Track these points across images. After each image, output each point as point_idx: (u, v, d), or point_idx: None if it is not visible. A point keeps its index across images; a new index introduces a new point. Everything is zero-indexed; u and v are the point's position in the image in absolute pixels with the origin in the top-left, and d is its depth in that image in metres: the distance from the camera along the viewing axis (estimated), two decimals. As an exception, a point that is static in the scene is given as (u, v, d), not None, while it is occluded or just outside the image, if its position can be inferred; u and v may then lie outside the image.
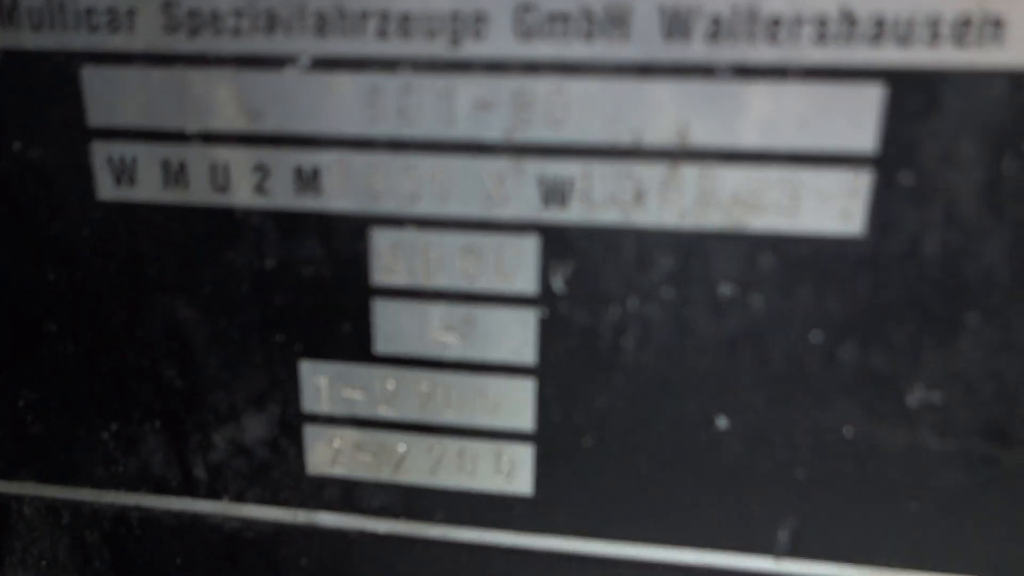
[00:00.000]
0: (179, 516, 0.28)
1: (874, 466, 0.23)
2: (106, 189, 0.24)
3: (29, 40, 0.23)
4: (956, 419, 0.22)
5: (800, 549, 0.24)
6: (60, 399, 0.27)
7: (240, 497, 0.27)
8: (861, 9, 0.19)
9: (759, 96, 0.20)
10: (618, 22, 0.20)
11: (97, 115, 0.24)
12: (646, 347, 0.23)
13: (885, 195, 0.21)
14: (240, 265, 0.24)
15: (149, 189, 0.24)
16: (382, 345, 0.24)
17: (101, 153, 0.24)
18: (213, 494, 0.27)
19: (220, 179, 0.23)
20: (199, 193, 0.24)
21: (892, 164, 0.20)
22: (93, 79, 0.23)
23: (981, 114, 0.20)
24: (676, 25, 0.20)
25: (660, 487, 0.24)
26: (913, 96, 0.20)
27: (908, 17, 0.19)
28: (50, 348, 0.26)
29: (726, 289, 0.22)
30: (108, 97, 0.23)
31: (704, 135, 0.21)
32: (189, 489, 0.27)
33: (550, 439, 0.25)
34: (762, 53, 0.20)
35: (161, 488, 0.27)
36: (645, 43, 0.20)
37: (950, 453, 0.23)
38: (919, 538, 0.24)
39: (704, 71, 0.20)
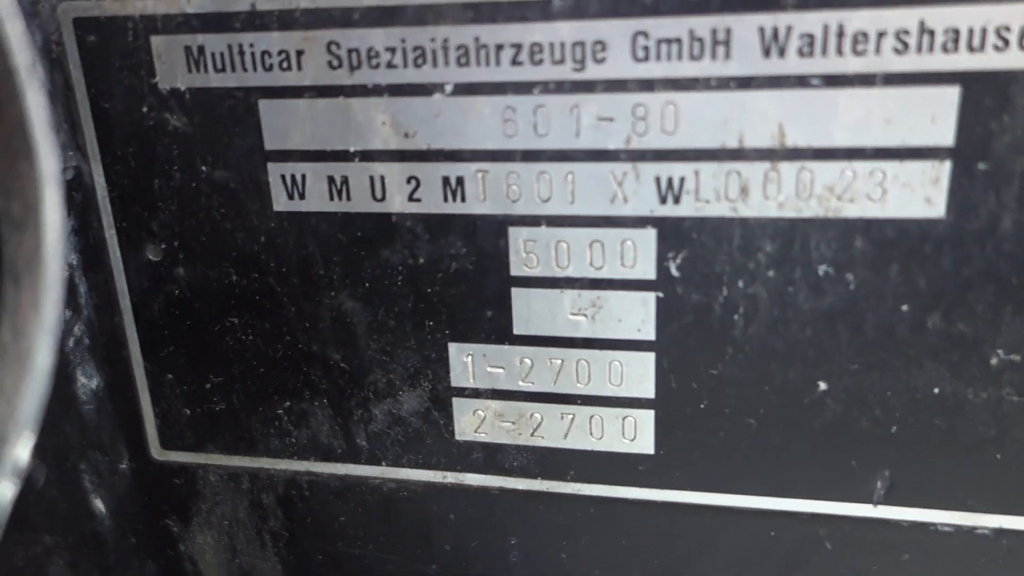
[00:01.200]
0: (343, 479, 0.33)
1: (961, 421, 0.26)
2: (280, 202, 0.29)
3: (214, 80, 0.28)
4: (1035, 377, 0.26)
5: (895, 497, 0.28)
6: (241, 381, 0.32)
7: (397, 462, 0.32)
8: (937, 22, 0.23)
9: (848, 101, 0.24)
10: (721, 43, 0.24)
11: (272, 140, 0.28)
12: (753, 322, 0.27)
13: (964, 182, 0.24)
14: (396, 262, 0.29)
15: (317, 201, 0.29)
16: (520, 327, 0.29)
17: (276, 172, 0.29)
18: (373, 460, 0.32)
19: (378, 190, 0.28)
20: (360, 203, 0.28)
21: (969, 155, 0.24)
22: (268, 110, 0.28)
23: (1048, 109, 0.23)
24: (772, 43, 0.24)
25: (768, 445, 0.28)
26: (986, 96, 0.23)
27: (981, 26, 0.23)
28: (233, 338, 0.31)
29: (823, 269, 0.26)
30: (281, 125, 0.28)
31: (800, 136, 0.25)
32: (352, 456, 0.32)
33: (669, 405, 0.28)
34: (849, 63, 0.24)
35: (328, 456, 0.32)
36: (745, 60, 0.24)
37: (1030, 407, 0.26)
38: (1002, 485, 0.27)
39: (798, 81, 0.24)
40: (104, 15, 0.28)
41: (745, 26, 0.24)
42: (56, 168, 0.21)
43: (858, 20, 0.23)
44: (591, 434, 0.30)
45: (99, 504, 0.35)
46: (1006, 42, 0.23)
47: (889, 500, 0.28)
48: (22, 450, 0.19)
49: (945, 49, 0.23)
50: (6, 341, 0.21)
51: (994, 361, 0.26)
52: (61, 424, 0.34)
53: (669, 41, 0.24)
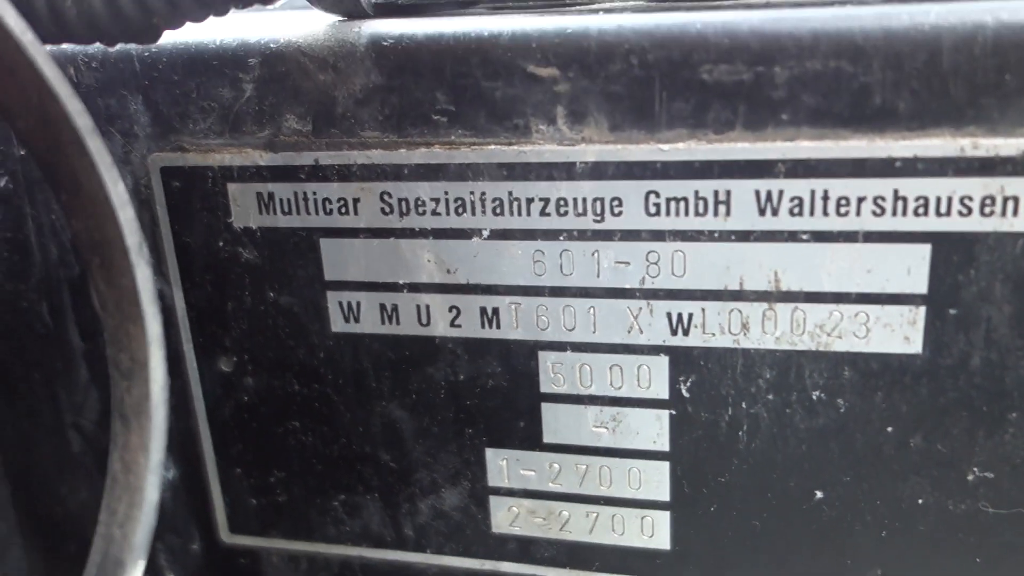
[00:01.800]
0: (392, 564, 0.37)
1: (943, 528, 0.30)
2: (338, 324, 0.33)
3: (282, 220, 0.32)
4: (1007, 492, 0.29)
5: (887, 592, 0.31)
6: (301, 476, 0.36)
7: (440, 550, 0.36)
8: (909, 190, 0.26)
9: (833, 253, 0.28)
10: (722, 202, 0.28)
11: (331, 272, 0.32)
12: (756, 437, 0.30)
13: (937, 324, 0.28)
14: (439, 378, 0.33)
15: (370, 324, 0.33)
16: (549, 436, 0.33)
17: (334, 299, 0.33)
18: (419, 548, 0.36)
19: (423, 317, 0.32)
20: (408, 327, 0.32)
21: (941, 302, 0.27)
22: (328, 247, 0.32)
23: (1007, 263, 0.26)
24: (767, 204, 0.28)
25: (772, 544, 0.32)
26: (954, 252, 0.27)
27: (947, 195, 0.26)
28: (294, 439, 0.35)
29: (816, 394, 0.29)
30: (339, 259, 0.32)
31: (792, 282, 0.28)
32: (400, 544, 0.36)
33: (682, 507, 0.32)
34: (834, 223, 0.27)
35: (378, 543, 0.36)
36: (743, 217, 0.28)
37: (1003, 518, 0.29)
38: (983, 584, 0.30)
39: (790, 235, 0.28)
40: (187, 165, 0.32)
41: (743, 189, 0.28)
42: (160, 331, 0.25)
43: (840, 187, 0.27)
44: (613, 530, 0.33)
45: None
46: (969, 209, 0.26)
47: (881, 596, 0.31)
48: (136, 574, 0.23)
49: (916, 213, 0.27)
50: (116, 472, 0.25)
51: (970, 477, 0.29)
52: (140, 508, 0.39)
53: (677, 199, 0.28)
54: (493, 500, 0.34)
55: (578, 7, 0.30)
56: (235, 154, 0.32)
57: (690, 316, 0.30)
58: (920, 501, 0.30)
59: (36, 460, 0.40)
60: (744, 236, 0.28)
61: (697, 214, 0.28)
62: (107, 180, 0.24)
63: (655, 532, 0.33)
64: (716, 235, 0.28)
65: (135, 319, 0.25)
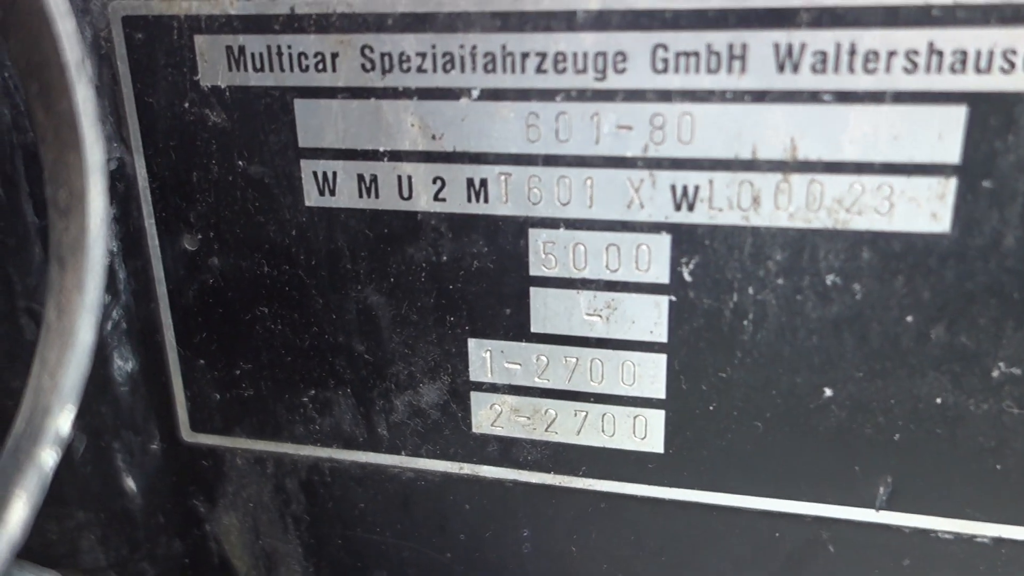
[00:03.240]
0: (364, 467, 0.34)
1: (962, 431, 0.27)
2: (312, 197, 0.31)
3: (253, 78, 0.30)
4: (1035, 391, 0.26)
5: (897, 503, 0.29)
6: (269, 369, 0.34)
7: (415, 452, 0.33)
8: (945, 43, 0.24)
9: (858, 117, 0.25)
10: (737, 57, 0.25)
11: (306, 138, 0.30)
12: (762, 328, 0.28)
13: (969, 199, 0.25)
14: (420, 259, 0.30)
15: (347, 197, 0.30)
16: (537, 326, 0.30)
17: (308, 168, 0.30)
18: (393, 449, 0.33)
19: (405, 189, 0.29)
20: (387, 201, 0.30)
21: (974, 173, 0.25)
22: (303, 109, 0.29)
23: (1052, 130, 0.24)
24: (787, 59, 0.25)
25: (774, 448, 0.29)
26: (992, 115, 0.24)
27: (988, 49, 0.24)
28: (262, 327, 0.33)
29: (831, 279, 0.27)
30: (315, 123, 0.30)
31: (811, 150, 0.26)
32: (373, 445, 0.34)
33: (679, 405, 0.30)
34: (860, 81, 0.25)
35: (349, 443, 0.34)
36: (760, 74, 0.25)
37: (1030, 420, 0.27)
38: (1001, 495, 0.28)
39: (811, 96, 0.25)
40: (151, 14, 0.30)
41: (761, 42, 0.25)
42: (101, 158, 0.22)
43: (869, 39, 0.24)
44: (603, 431, 0.31)
45: (130, 483, 0.37)
46: (1012, 64, 0.24)
47: (891, 506, 0.29)
48: (64, 421, 0.21)
49: (953, 70, 0.24)
50: (51, 319, 0.23)
51: (995, 374, 0.27)
52: (97, 404, 0.36)
53: (687, 54, 0.26)
54: (474, 396, 0.32)
55: None
56: (204, 1, 0.29)
57: (696, 189, 0.27)
58: (938, 400, 0.27)
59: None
60: (760, 97, 0.26)
61: (709, 71, 0.26)
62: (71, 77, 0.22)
63: (648, 434, 0.30)
64: (729, 96, 0.26)
65: (74, 146, 0.22)
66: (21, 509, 0.21)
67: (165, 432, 0.36)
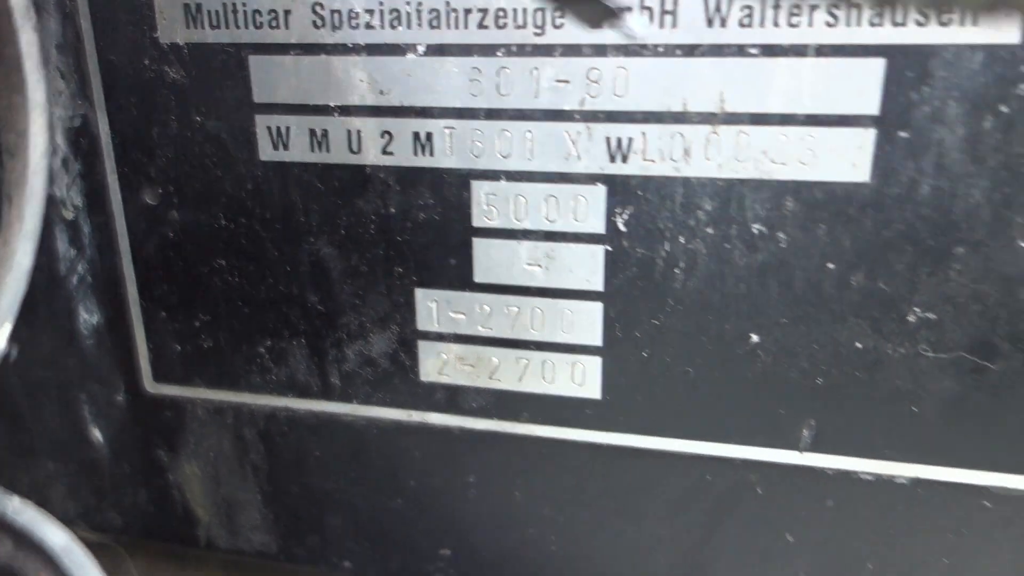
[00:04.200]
0: (318, 416, 0.33)
1: (880, 375, 0.27)
2: (266, 152, 0.29)
3: (210, 36, 0.28)
4: (948, 335, 0.26)
5: (820, 445, 0.28)
6: (227, 320, 0.32)
7: (367, 400, 0.32)
8: (865, -2, 0.23)
9: (782, 70, 0.24)
10: (668, 12, 0.24)
11: (260, 93, 0.29)
12: (692, 276, 0.27)
13: (887, 149, 0.24)
14: (369, 211, 0.29)
15: (299, 151, 0.29)
16: (480, 276, 0.29)
17: (263, 123, 0.29)
18: (345, 398, 0.32)
19: (354, 143, 0.28)
20: (338, 154, 0.29)
21: (892, 124, 0.24)
22: (258, 65, 0.28)
23: (963, 81, 0.23)
24: (715, 14, 0.24)
25: (705, 393, 0.28)
26: (908, 68, 0.23)
27: (903, 3, 0.23)
28: (220, 279, 0.32)
29: (757, 227, 0.26)
30: (269, 79, 0.28)
31: (738, 102, 0.25)
32: (326, 394, 0.32)
33: (614, 352, 0.29)
34: (784, 35, 0.24)
35: (304, 393, 0.33)
36: (690, 29, 0.24)
37: (943, 363, 0.26)
38: (918, 437, 0.27)
39: (738, 50, 0.24)
40: (112, -27, 0.28)
41: (690, -3, 0.24)
42: (43, 98, 0.21)
43: (793, -6, 0.23)
44: (543, 378, 0.30)
45: (96, 433, 0.36)
46: (927, 17, 0.23)
47: (814, 448, 0.28)
48: (1, 336, 0.20)
49: (871, 23, 0.23)
50: (-2, 252, 0.22)
51: (911, 318, 0.26)
52: (64, 357, 0.35)
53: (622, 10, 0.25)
54: (422, 346, 0.31)
55: None
56: (161, -40, 0.28)
57: (630, 141, 0.26)
58: (858, 345, 0.27)
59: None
60: (690, 51, 0.25)
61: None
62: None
63: (586, 380, 0.30)
64: (661, 50, 0.25)
65: (19, 88, 0.21)
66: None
67: (129, 383, 0.35)
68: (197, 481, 0.36)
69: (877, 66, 0.24)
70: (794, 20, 0.24)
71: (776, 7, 0.24)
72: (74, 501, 0.38)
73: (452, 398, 0.31)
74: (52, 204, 0.32)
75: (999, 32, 0.23)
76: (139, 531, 0.38)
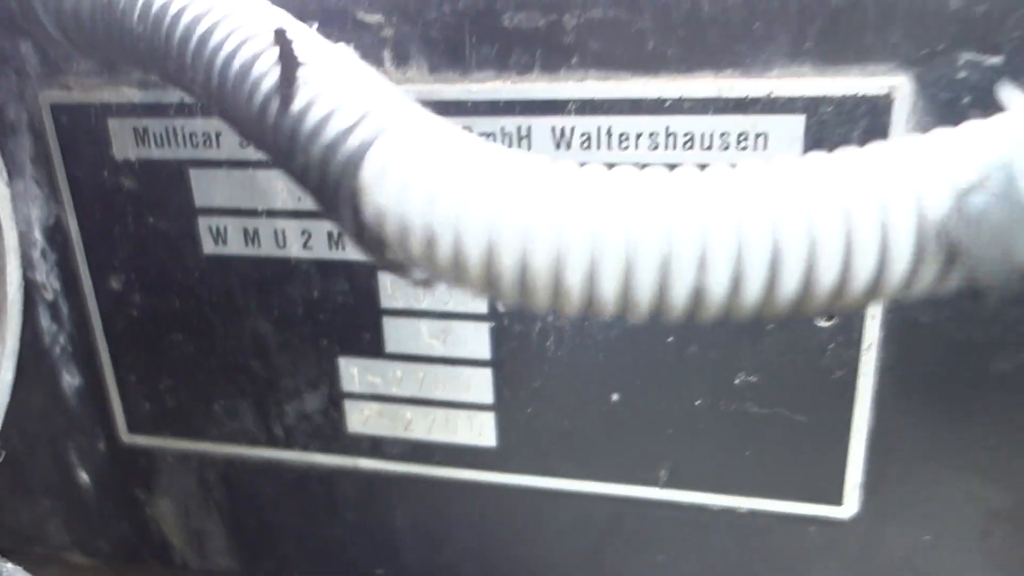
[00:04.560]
0: (268, 461, 0.38)
1: (719, 426, 0.31)
2: (208, 247, 0.34)
3: (156, 153, 0.33)
4: (767, 394, 0.30)
5: (676, 483, 0.33)
6: (186, 383, 0.37)
7: (305, 448, 0.37)
8: (678, 127, 0.27)
9: (619, 183, 0.28)
10: (524, 137, 0.29)
11: (201, 199, 0.33)
12: (561, 347, 0.31)
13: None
14: (296, 295, 0.34)
15: (236, 247, 0.33)
16: (391, 347, 0.34)
17: (204, 223, 0.33)
18: (288, 446, 0.37)
19: (280, 240, 0.33)
20: (267, 249, 0.33)
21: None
22: (197, 177, 0.33)
23: (762, 194, 0.27)
24: (561, 139, 0.28)
25: (581, 441, 0.33)
26: (717, 183, 0.28)
27: (710, 132, 0.27)
28: (177, 350, 0.36)
29: (610, 308, 0.30)
30: (207, 188, 0.33)
31: (586, 208, 0.29)
32: (272, 443, 0.37)
33: (505, 408, 0.33)
34: (617, 156, 0.28)
35: (254, 442, 0.37)
36: (542, 151, 0.29)
37: (766, 417, 0.30)
38: (753, 475, 0.32)
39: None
40: (73, 102, 0.33)
41: (541, 125, 0.29)
42: (16, 243, 0.26)
43: (622, 124, 0.28)
44: (448, 429, 0.34)
45: (83, 475, 0.41)
46: (728, 144, 0.27)
47: (672, 485, 0.33)
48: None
49: (685, 147, 0.28)
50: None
51: (737, 381, 0.30)
52: (52, 412, 0.39)
53: (486, 134, 0.29)
54: (347, 403, 0.35)
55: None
56: (113, 92, 0.32)
57: (502, 239, 0.30)
58: (697, 403, 0.31)
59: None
60: (544, 168, 0.29)
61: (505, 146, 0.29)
62: None
63: (483, 431, 0.34)
64: (521, 167, 0.29)
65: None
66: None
67: (108, 434, 0.39)
68: (170, 515, 0.41)
69: (693, 181, 0.28)
70: (623, 144, 0.28)
71: (609, 134, 0.28)
72: (68, 532, 0.43)
73: (376, 446, 0.36)
74: (34, 287, 0.37)
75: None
76: (124, 557, 0.43)
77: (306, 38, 0.21)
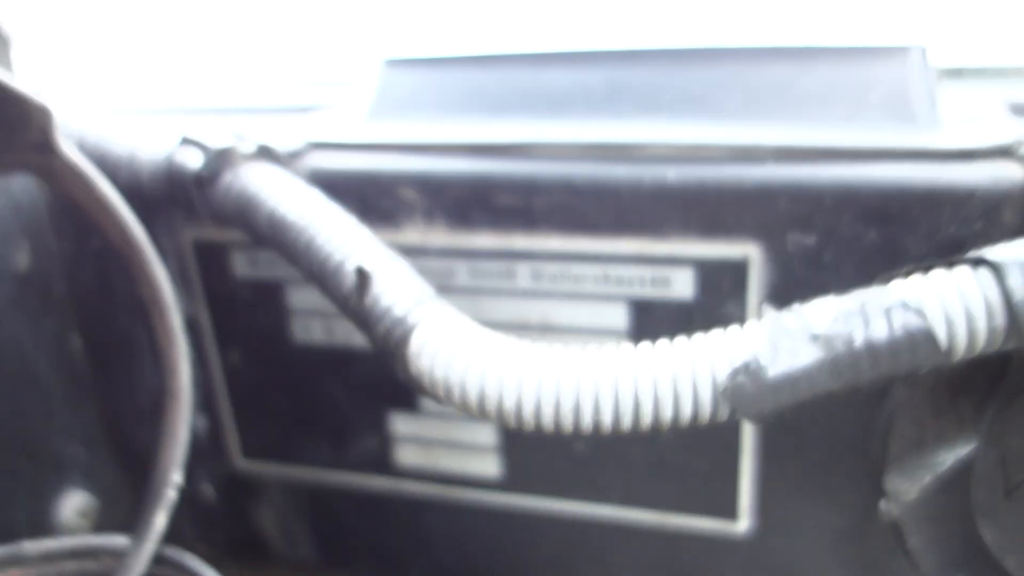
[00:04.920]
0: (341, 481, 0.51)
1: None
2: (300, 336, 0.47)
3: (264, 272, 0.46)
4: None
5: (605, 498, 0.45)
6: (283, 425, 0.50)
7: (367, 472, 0.50)
8: (612, 272, 0.40)
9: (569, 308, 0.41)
10: (510, 275, 0.42)
11: (293, 304, 0.47)
12: (542, 409, 0.44)
13: (635, 347, 0.41)
14: (361, 371, 0.47)
15: (319, 336, 0.47)
16: (426, 407, 0.47)
17: (297, 321, 0.47)
18: (356, 470, 0.50)
19: (351, 335, 0.46)
20: (342, 339, 0.46)
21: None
22: (292, 289, 0.46)
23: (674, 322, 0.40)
24: (537, 277, 0.41)
25: (550, 472, 0.46)
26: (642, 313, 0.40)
27: (634, 276, 0.40)
28: (279, 402, 0.50)
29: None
30: (299, 296, 0.46)
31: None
32: (345, 467, 0.50)
33: (507, 447, 0.46)
34: (573, 287, 0.41)
35: (332, 466, 0.51)
36: (523, 284, 0.42)
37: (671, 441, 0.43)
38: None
39: (530, 294, 0.41)
40: (208, 238, 0.47)
41: (522, 266, 0.41)
42: (187, 366, 0.39)
43: (576, 268, 0.41)
44: (464, 463, 0.48)
45: (210, 489, 0.55)
46: (644, 283, 0.40)
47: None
48: (176, 477, 0.38)
49: (618, 284, 0.40)
50: (166, 424, 0.40)
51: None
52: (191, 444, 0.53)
53: (487, 273, 0.42)
54: (397, 443, 0.49)
55: (426, 148, 0.43)
56: (236, 234, 0.46)
57: (500, 337, 0.43)
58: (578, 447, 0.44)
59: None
60: (525, 294, 0.42)
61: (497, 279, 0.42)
62: (160, 280, 0.39)
63: (487, 466, 0.47)
64: (506, 291, 0.42)
65: (171, 342, 0.39)
66: (161, 518, 0.38)
67: (227, 458, 0.53)
68: (271, 518, 0.55)
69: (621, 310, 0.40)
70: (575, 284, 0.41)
71: (562, 279, 0.41)
72: (200, 532, 0.57)
73: (416, 473, 0.49)
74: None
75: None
76: (237, 549, 0.57)
77: (373, 250, 0.34)
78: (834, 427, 0.40)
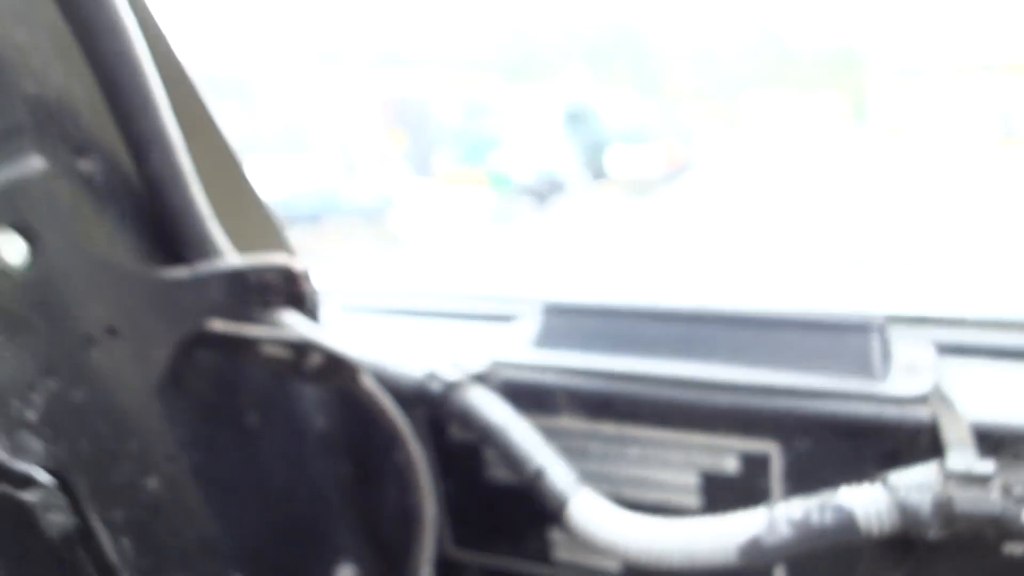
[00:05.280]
0: (522, 568, 0.75)
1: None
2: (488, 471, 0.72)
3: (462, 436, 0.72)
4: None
5: None
6: (482, 527, 0.75)
7: (538, 561, 0.74)
8: (689, 456, 0.63)
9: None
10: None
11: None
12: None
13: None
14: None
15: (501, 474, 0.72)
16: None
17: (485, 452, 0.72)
18: (535, 559, 0.74)
19: (524, 477, 0.71)
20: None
21: (704, 491, 0.63)
22: (487, 450, 0.71)
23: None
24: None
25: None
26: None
27: (703, 459, 0.62)
28: (484, 512, 0.75)
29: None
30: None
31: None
32: (526, 557, 0.75)
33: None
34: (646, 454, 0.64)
35: (516, 555, 0.75)
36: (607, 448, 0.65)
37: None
38: None
39: (636, 462, 0.64)
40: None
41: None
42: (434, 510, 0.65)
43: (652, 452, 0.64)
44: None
45: (427, 570, 0.80)
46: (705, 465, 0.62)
47: None
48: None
49: (683, 468, 0.63)
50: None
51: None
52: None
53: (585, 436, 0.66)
54: (552, 548, 0.72)
55: (574, 372, 0.67)
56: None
57: (620, 486, 0.67)
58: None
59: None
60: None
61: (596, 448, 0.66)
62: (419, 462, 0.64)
63: (616, 563, 0.70)
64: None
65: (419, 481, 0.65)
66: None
67: (442, 546, 0.78)
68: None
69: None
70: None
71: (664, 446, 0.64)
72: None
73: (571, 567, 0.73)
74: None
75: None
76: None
77: (543, 449, 0.59)
78: None
